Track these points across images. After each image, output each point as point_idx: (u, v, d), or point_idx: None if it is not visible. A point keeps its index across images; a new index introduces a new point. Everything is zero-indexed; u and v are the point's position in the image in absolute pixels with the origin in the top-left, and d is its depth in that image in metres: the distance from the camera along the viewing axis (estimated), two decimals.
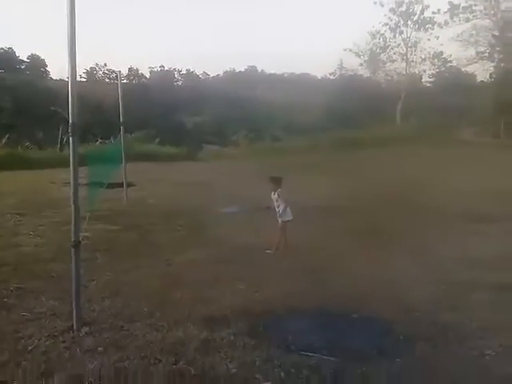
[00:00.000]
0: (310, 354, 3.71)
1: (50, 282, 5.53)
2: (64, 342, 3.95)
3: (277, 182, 7.09)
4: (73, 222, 4.25)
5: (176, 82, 65.50)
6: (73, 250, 4.24)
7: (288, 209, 6.96)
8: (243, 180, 14.59)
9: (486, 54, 38.54)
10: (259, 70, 65.77)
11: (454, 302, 4.84)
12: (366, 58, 45.41)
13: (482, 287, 5.26)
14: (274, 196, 7.02)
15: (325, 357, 3.67)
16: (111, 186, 11.95)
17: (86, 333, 4.10)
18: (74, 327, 4.17)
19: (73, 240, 4.23)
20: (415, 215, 8.82)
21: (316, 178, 14.32)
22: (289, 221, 6.97)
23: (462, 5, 36.93)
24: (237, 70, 64.57)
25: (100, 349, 3.81)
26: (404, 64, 43.72)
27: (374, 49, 44.13)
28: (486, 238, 7.54)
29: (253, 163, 20.16)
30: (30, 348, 3.84)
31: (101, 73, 66.61)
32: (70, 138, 4.18)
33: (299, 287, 5.28)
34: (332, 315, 4.51)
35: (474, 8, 36.57)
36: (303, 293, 5.09)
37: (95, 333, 4.09)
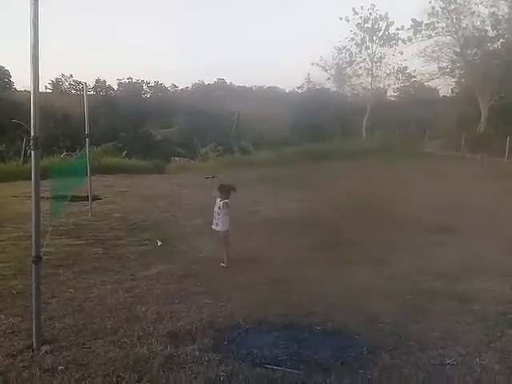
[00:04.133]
0: (275, 368, 3.72)
1: (11, 298, 5.37)
2: (23, 361, 3.84)
3: (226, 190, 6.96)
4: (33, 237, 4.14)
5: (144, 94, 65.15)
6: (33, 265, 4.14)
7: (227, 219, 6.91)
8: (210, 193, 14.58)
9: (448, 70, 39.77)
10: (228, 83, 66.15)
11: (417, 312, 4.94)
12: (333, 73, 46.22)
13: (443, 297, 5.40)
14: (218, 204, 6.90)
15: (289, 370, 3.69)
16: (76, 199, 11.78)
17: (46, 351, 3.99)
18: (34, 345, 4.06)
19: (33, 255, 4.13)
20: (378, 226, 8.96)
21: (283, 191, 14.47)
22: (228, 231, 6.94)
23: (424, 22, 38.06)
24: (206, 83, 64.72)
25: (60, 367, 3.72)
26: (369, 78, 44.69)
27: (341, 63, 44.96)
28: (447, 249, 7.76)
29: (221, 176, 20.15)
30: None
31: (67, 84, 65.67)
32: (32, 152, 4.09)
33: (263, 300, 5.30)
34: (296, 328, 4.53)
35: (436, 25, 37.73)
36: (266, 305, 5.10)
37: (55, 351, 3.99)
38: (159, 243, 8.15)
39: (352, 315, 4.81)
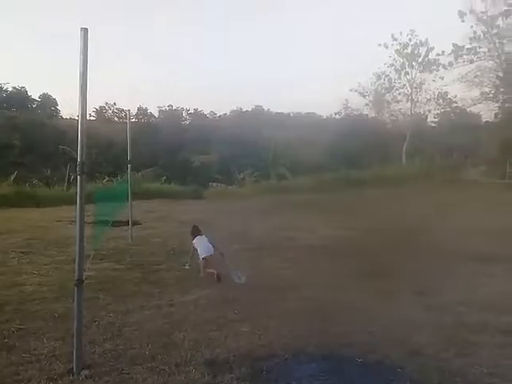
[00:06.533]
0: None
1: (52, 322, 5.47)
2: None
3: (196, 231, 8.25)
4: (76, 260, 4.23)
5: (183, 121, 66.57)
6: (75, 288, 4.20)
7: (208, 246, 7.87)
8: (247, 218, 14.63)
9: (491, 95, 38.85)
10: (265, 110, 66.75)
11: (462, 346, 4.71)
12: (371, 99, 45.99)
13: (490, 330, 5.15)
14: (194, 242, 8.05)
15: None
16: (117, 224, 12.02)
17: (85, 376, 4.01)
18: (74, 370, 4.09)
19: (76, 278, 4.20)
20: (419, 255, 8.70)
21: (320, 217, 14.32)
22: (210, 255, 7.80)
23: (466, 46, 37.50)
24: (243, 110, 65.51)
25: None
26: (409, 104, 44.14)
27: (379, 89, 44.70)
28: (494, 279, 7.43)
29: (258, 202, 20.22)
30: None
31: (110, 112, 67.99)
32: (78, 177, 4.21)
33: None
34: (336, 359, 4.41)
35: (478, 50, 37.09)
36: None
37: (95, 376, 4.00)
38: (187, 266, 8.33)
39: (394, 347, 4.64)
